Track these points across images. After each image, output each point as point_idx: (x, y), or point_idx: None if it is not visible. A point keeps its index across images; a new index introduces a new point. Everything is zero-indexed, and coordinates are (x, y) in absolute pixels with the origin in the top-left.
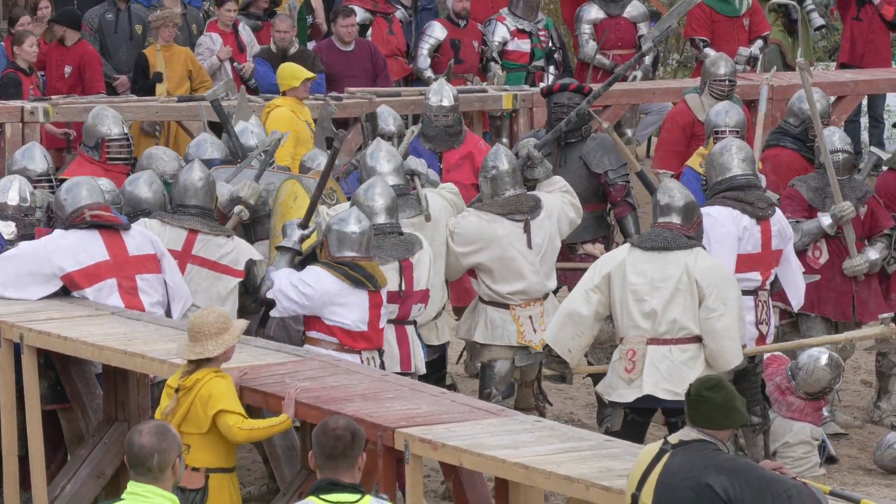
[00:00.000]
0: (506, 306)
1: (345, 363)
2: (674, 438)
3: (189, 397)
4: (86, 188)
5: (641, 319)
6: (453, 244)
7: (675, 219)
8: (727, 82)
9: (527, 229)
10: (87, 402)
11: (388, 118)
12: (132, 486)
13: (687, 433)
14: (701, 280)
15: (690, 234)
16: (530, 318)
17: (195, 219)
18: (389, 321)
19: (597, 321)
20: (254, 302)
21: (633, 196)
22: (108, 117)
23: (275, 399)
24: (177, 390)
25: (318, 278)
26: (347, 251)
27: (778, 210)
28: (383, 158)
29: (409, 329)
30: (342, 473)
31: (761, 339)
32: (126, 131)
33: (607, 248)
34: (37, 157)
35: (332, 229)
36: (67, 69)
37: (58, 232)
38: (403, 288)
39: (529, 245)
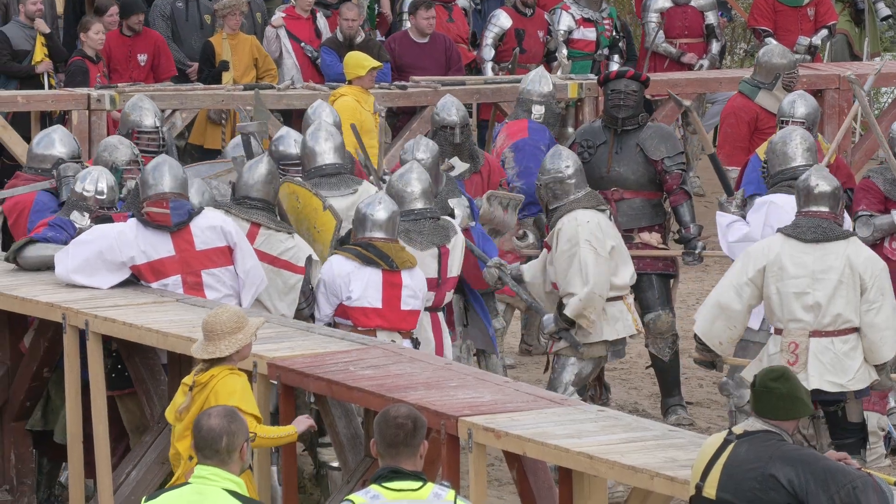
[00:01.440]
0: (619, 297)
1: (408, 351)
2: (738, 429)
3: (203, 394)
4: (158, 175)
5: (803, 312)
6: (599, 251)
7: (825, 206)
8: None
9: (612, 217)
10: (152, 389)
11: (451, 108)
12: (199, 469)
13: (752, 423)
14: (864, 272)
15: (840, 222)
16: (630, 304)
17: (260, 212)
18: (425, 308)
19: (748, 313)
20: (305, 302)
21: (689, 184)
22: (143, 108)
23: (339, 387)
24: (191, 387)
25: (330, 266)
26: (369, 232)
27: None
28: (415, 180)
29: (440, 315)
30: (404, 461)
31: None
32: (158, 124)
33: (663, 237)
34: (120, 147)
35: (360, 212)
36: (142, 57)
37: (132, 221)
38: (440, 275)
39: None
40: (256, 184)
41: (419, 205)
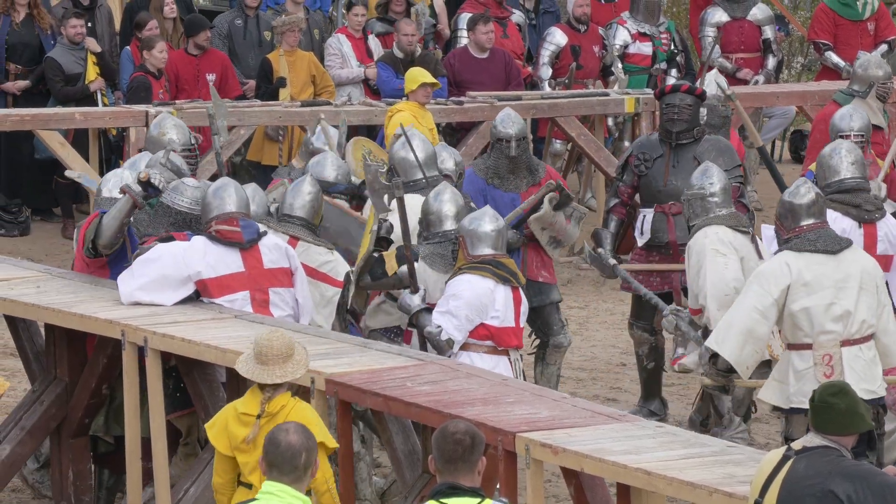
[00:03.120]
0: None
1: (465, 367)
2: (797, 444)
3: (274, 425)
4: (223, 196)
5: (833, 324)
6: (728, 258)
7: (819, 217)
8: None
9: (754, 241)
10: (211, 405)
11: (508, 121)
12: (267, 485)
13: (811, 439)
14: (877, 275)
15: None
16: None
17: (299, 228)
18: None
19: (770, 335)
20: (341, 322)
21: (747, 197)
22: (172, 126)
23: (396, 403)
24: (258, 416)
25: (470, 284)
26: (487, 249)
27: (888, 216)
28: (448, 201)
29: None
30: (462, 477)
31: None
32: (193, 141)
33: None
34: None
35: (468, 229)
36: (210, 77)
37: (198, 238)
38: None
39: (760, 256)
40: (295, 203)
41: (449, 225)
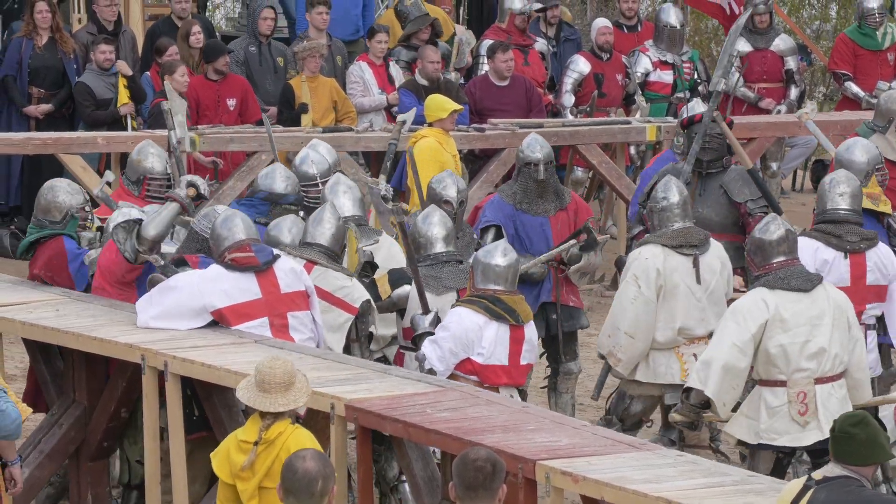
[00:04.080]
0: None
1: (485, 394)
2: (818, 475)
3: (273, 451)
4: (231, 226)
5: (807, 361)
6: (644, 290)
7: (793, 254)
8: None
9: (696, 264)
10: (230, 429)
11: (535, 145)
12: None
13: (831, 469)
14: (848, 310)
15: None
16: (694, 355)
17: (318, 254)
18: None
19: (748, 371)
20: (362, 351)
21: None
22: (152, 154)
23: (416, 429)
24: (255, 443)
25: (459, 318)
26: (492, 284)
27: (881, 245)
28: (437, 224)
29: None
30: None
31: None
32: (168, 170)
33: (745, 279)
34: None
35: (479, 261)
36: (231, 102)
37: (214, 267)
38: None
39: (698, 280)
40: (316, 232)
41: (439, 248)
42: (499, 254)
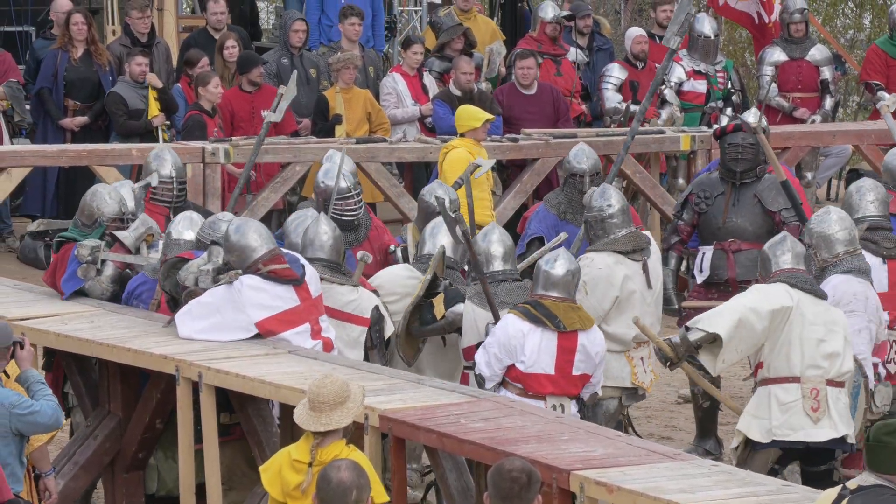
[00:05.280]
0: (620, 352)
1: (519, 404)
2: (852, 484)
3: None
4: (254, 235)
5: (822, 360)
6: (589, 295)
7: (805, 265)
8: None
9: (645, 269)
10: (265, 440)
11: (582, 156)
12: None
13: (865, 478)
14: (846, 327)
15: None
16: (642, 359)
17: (322, 268)
18: None
19: (755, 346)
20: (381, 357)
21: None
22: (162, 159)
23: (450, 440)
24: (309, 465)
25: (505, 325)
26: (545, 290)
27: None
28: (496, 242)
29: None
30: None
31: (889, 377)
32: (174, 175)
33: None
34: (108, 201)
35: (540, 269)
36: (265, 113)
37: (252, 278)
38: None
39: (649, 285)
40: (315, 244)
41: (497, 266)
42: (556, 262)
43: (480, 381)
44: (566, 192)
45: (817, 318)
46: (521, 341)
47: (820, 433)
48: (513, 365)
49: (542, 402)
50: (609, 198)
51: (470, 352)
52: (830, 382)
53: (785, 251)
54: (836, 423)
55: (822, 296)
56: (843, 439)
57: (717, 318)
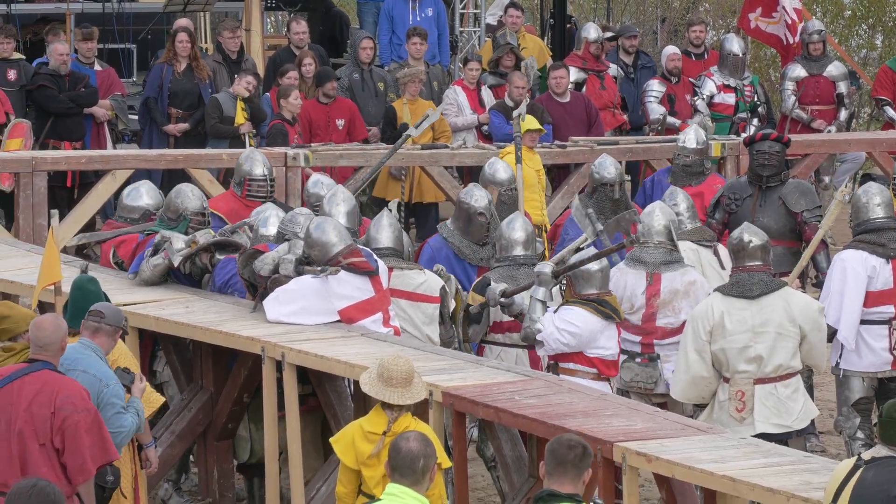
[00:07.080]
0: None
1: (567, 383)
2: (867, 455)
3: None
4: (332, 232)
5: (746, 364)
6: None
7: (759, 260)
8: None
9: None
10: (340, 413)
11: (609, 166)
12: (391, 487)
13: (878, 450)
14: (802, 321)
15: (773, 273)
16: None
17: (390, 258)
18: (525, 347)
19: (716, 374)
20: (448, 330)
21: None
22: (254, 160)
23: (506, 414)
24: (383, 433)
25: (584, 319)
26: (590, 288)
27: None
28: (519, 229)
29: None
30: (567, 483)
31: (895, 363)
32: (266, 173)
33: (801, 281)
34: (191, 197)
35: (577, 270)
36: (340, 122)
37: (339, 273)
38: None
39: (722, 266)
40: (378, 236)
41: (518, 251)
42: (594, 262)
43: (538, 344)
44: (596, 200)
45: (741, 326)
46: (599, 334)
47: (742, 431)
48: (581, 353)
49: (608, 383)
50: (676, 198)
51: (497, 327)
52: (760, 381)
53: (757, 248)
54: (757, 421)
55: (753, 294)
56: (763, 434)
57: (675, 377)
